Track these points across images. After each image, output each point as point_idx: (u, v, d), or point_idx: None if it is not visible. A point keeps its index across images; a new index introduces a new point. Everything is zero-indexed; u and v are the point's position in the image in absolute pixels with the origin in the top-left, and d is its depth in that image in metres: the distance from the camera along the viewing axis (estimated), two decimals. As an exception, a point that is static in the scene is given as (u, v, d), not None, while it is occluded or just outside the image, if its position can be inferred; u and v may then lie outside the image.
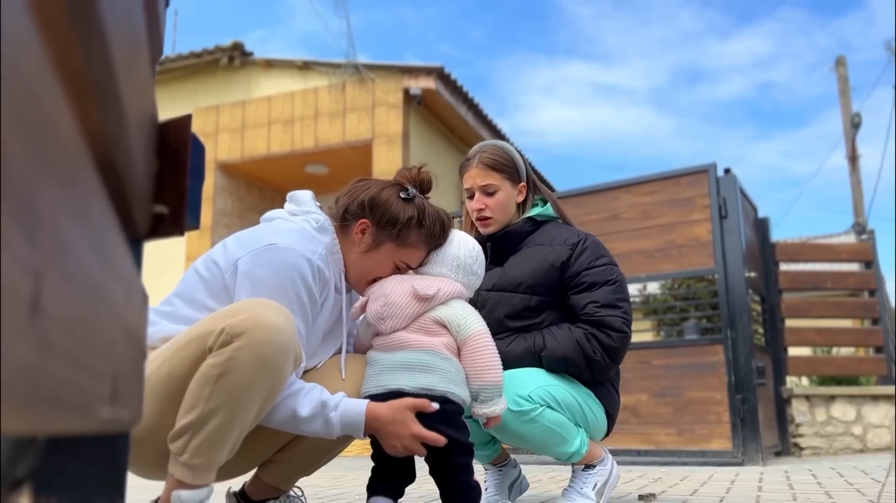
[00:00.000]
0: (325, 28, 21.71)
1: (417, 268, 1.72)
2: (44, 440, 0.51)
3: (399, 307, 1.59)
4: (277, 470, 1.71)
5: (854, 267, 5.75)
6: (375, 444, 1.60)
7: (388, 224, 1.65)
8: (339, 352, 1.69)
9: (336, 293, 1.67)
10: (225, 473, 1.59)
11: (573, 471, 2.04)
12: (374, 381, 1.58)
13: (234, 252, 1.56)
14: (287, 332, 1.35)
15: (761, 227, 5.06)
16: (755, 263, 4.69)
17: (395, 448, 1.51)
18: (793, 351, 5.18)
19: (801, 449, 4.75)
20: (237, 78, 8.21)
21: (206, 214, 7.82)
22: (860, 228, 10.43)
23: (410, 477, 1.65)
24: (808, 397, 4.85)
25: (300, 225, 1.63)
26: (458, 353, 1.61)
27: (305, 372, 1.61)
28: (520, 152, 2.19)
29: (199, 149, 0.69)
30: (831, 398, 4.87)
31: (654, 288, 6.42)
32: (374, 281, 1.69)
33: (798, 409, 4.81)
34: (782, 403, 4.82)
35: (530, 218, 2.12)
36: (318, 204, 1.74)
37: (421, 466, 1.64)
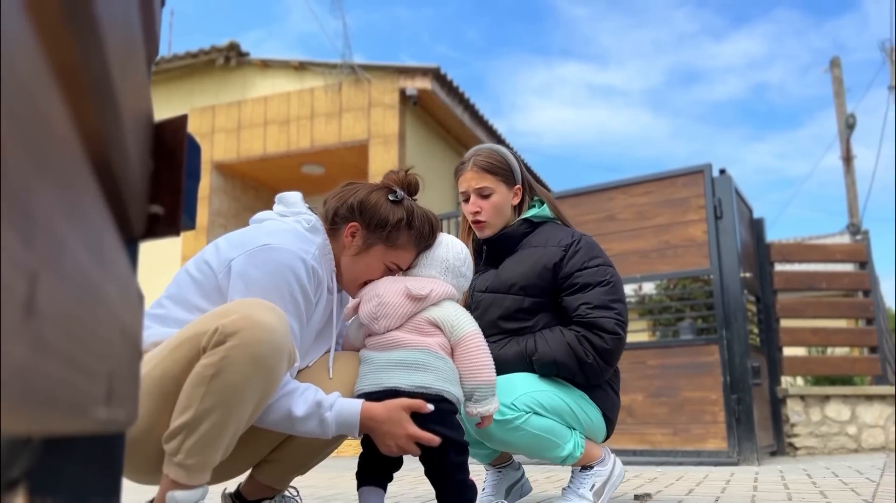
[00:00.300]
0: (321, 28, 21.71)
1: (406, 271, 1.72)
2: (39, 440, 0.50)
3: (392, 307, 1.60)
4: (272, 469, 1.71)
5: (848, 267, 5.76)
6: (367, 437, 1.61)
7: (378, 226, 1.66)
8: (329, 352, 1.70)
9: (328, 293, 1.67)
10: (220, 474, 1.59)
11: (572, 472, 2.05)
12: (369, 379, 1.58)
13: (227, 253, 1.55)
14: (280, 331, 1.35)
15: (756, 227, 5.07)
16: (750, 264, 4.70)
17: (389, 447, 1.52)
18: (788, 351, 5.19)
19: (796, 448, 4.76)
20: (233, 78, 8.19)
21: (202, 214, 7.81)
22: (855, 229, 10.47)
23: (398, 462, 1.66)
24: (802, 397, 4.87)
25: (292, 225, 1.63)
26: (452, 354, 1.62)
27: (297, 371, 1.61)
28: (516, 154, 2.19)
29: (195, 149, 0.69)
30: (826, 398, 4.88)
31: (649, 288, 6.43)
32: (366, 283, 1.69)
33: (793, 409, 4.83)
34: (777, 403, 4.83)
35: (526, 219, 2.12)
36: (308, 205, 1.75)
37: (417, 465, 1.64)
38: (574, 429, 1.97)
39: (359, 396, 1.57)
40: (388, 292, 1.62)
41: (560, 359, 1.92)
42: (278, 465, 1.70)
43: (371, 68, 7.56)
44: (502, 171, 2.10)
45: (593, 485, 1.98)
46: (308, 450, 1.68)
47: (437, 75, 7.35)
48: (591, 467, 2.00)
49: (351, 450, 5.05)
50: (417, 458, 1.58)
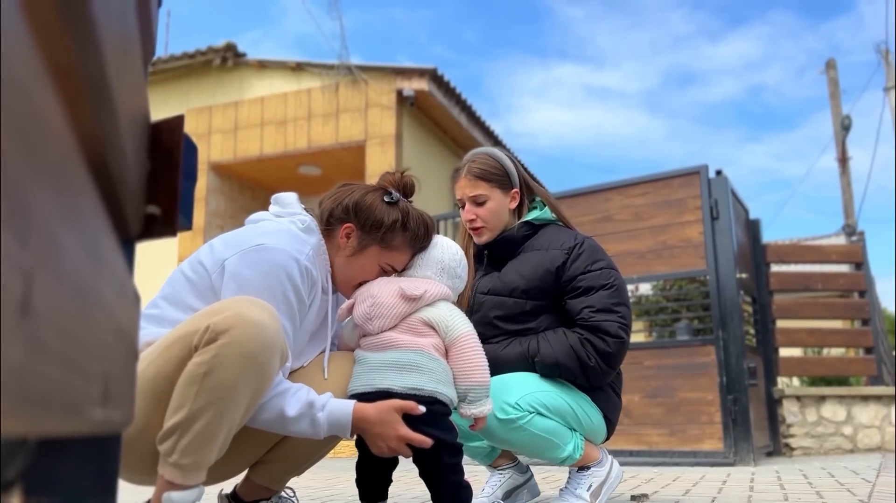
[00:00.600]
0: (318, 29, 21.70)
1: (402, 271, 1.72)
2: (34, 441, 0.50)
3: (387, 307, 1.60)
4: (268, 470, 1.71)
5: (844, 268, 5.78)
6: (361, 439, 1.62)
7: (373, 227, 1.66)
8: (324, 352, 1.70)
9: (322, 294, 1.67)
10: (216, 475, 1.59)
11: (569, 473, 2.05)
12: (361, 380, 1.58)
13: (221, 253, 1.55)
14: (272, 328, 1.35)
15: (752, 228, 5.08)
16: (746, 264, 4.71)
17: (380, 449, 1.52)
18: (784, 351, 5.20)
19: (792, 449, 4.77)
20: (230, 79, 8.19)
21: (199, 215, 7.80)
22: (850, 230, 10.50)
23: (393, 462, 1.68)
24: (798, 398, 4.88)
25: (287, 226, 1.63)
26: (446, 355, 1.62)
27: (291, 372, 1.61)
28: (513, 156, 2.18)
29: (192, 149, 0.68)
30: (822, 398, 4.89)
31: (645, 289, 6.44)
32: (360, 285, 1.69)
33: (789, 410, 4.84)
34: (773, 404, 4.84)
35: (527, 222, 2.12)
36: (303, 206, 1.75)
37: (414, 466, 1.64)
38: (575, 430, 1.97)
39: (351, 397, 1.57)
40: (382, 293, 1.62)
41: (562, 361, 1.92)
42: (274, 466, 1.70)
43: (368, 69, 7.55)
44: (497, 176, 2.09)
45: (590, 486, 1.98)
46: (304, 450, 1.68)
47: (433, 76, 7.36)
48: (588, 468, 2.00)
49: (348, 450, 5.04)
50: (413, 460, 1.58)
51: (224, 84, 8.20)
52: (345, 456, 4.93)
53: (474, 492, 1.68)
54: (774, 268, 5.27)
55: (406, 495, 2.60)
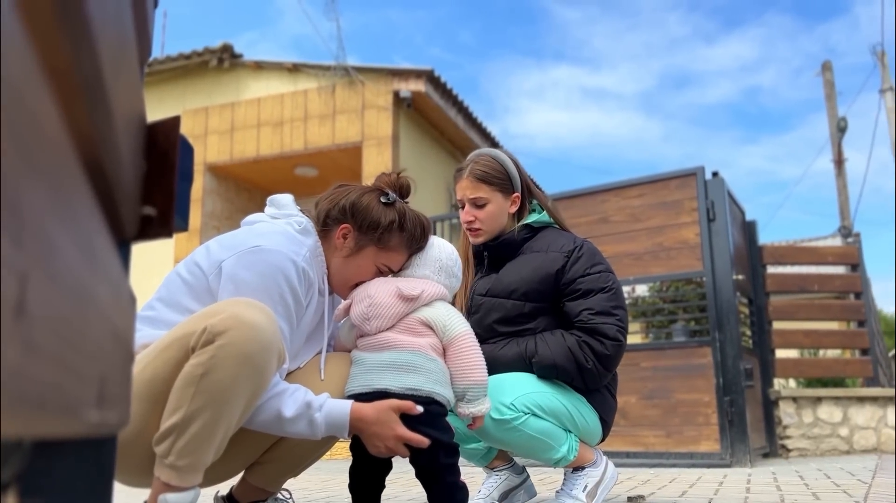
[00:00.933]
0: (314, 30, 21.70)
1: (399, 271, 1.73)
2: (30, 443, 0.50)
3: (384, 307, 1.60)
4: (264, 471, 1.70)
5: (840, 270, 5.80)
6: (355, 443, 1.61)
7: (370, 228, 1.66)
8: (321, 353, 1.70)
9: (319, 295, 1.67)
10: (212, 477, 1.58)
11: (564, 474, 2.05)
12: (359, 380, 1.58)
13: (218, 254, 1.55)
14: (269, 330, 1.35)
15: (749, 229, 5.09)
16: (743, 266, 4.72)
17: (378, 449, 1.52)
18: (780, 353, 5.21)
19: (789, 450, 4.78)
20: (226, 80, 8.18)
21: (195, 216, 7.78)
22: (846, 231, 10.53)
23: (388, 465, 1.67)
24: (795, 399, 4.89)
25: (283, 227, 1.63)
26: (444, 354, 1.62)
27: (288, 373, 1.61)
28: (516, 160, 2.17)
29: (188, 150, 0.68)
30: (818, 400, 4.90)
31: (642, 290, 6.45)
32: (357, 285, 1.69)
33: (785, 411, 4.85)
34: (770, 405, 4.85)
35: (527, 225, 2.12)
36: (299, 207, 1.75)
37: (411, 468, 1.64)
38: (570, 431, 1.97)
39: (348, 397, 1.57)
40: (379, 293, 1.62)
41: (560, 363, 1.93)
42: (270, 467, 1.70)
43: (365, 70, 7.55)
44: (499, 180, 2.09)
45: (585, 487, 1.98)
46: (300, 451, 1.68)
47: (430, 77, 7.36)
48: (583, 468, 2.01)
49: (344, 452, 5.03)
50: (409, 461, 1.58)
51: (220, 85, 8.19)
52: (341, 457, 4.92)
53: (470, 494, 1.68)
54: (771, 269, 5.28)
55: (403, 496, 2.60)
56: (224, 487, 1.81)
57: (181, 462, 1.30)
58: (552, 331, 2.00)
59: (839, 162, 11.40)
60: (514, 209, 2.12)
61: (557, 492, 2.04)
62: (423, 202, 7.11)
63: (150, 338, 1.48)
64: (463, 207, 2.12)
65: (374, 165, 7.18)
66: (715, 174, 4.40)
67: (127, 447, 1.36)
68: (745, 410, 4.03)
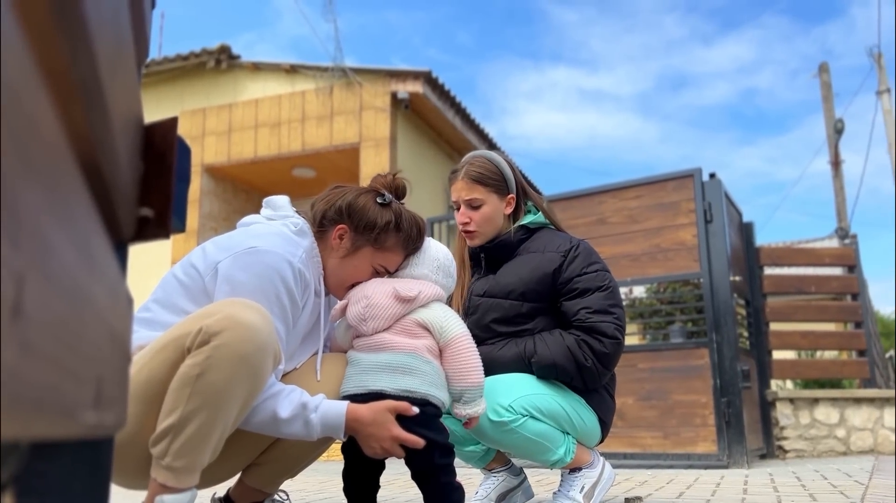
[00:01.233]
0: (312, 31, 21.70)
1: (396, 271, 1.73)
2: (27, 445, 0.50)
3: (381, 308, 1.60)
4: (261, 472, 1.70)
5: (837, 271, 5.81)
6: (347, 446, 1.61)
7: (366, 228, 1.66)
8: (317, 354, 1.70)
9: (315, 296, 1.67)
10: (209, 478, 1.58)
11: (561, 475, 2.05)
12: (354, 381, 1.58)
13: (214, 255, 1.55)
14: (264, 330, 1.35)
15: (746, 231, 5.10)
16: (740, 267, 4.73)
17: (373, 449, 1.52)
18: (777, 354, 5.22)
19: (786, 451, 4.78)
20: (224, 81, 8.17)
21: (192, 217, 7.77)
22: (843, 233, 10.56)
23: (381, 466, 1.68)
24: (792, 400, 4.89)
25: (279, 228, 1.63)
26: (440, 356, 1.62)
27: (284, 374, 1.61)
28: (510, 161, 2.17)
29: (186, 151, 0.68)
30: (815, 401, 4.91)
31: (639, 291, 6.45)
32: (353, 286, 1.69)
33: (782, 412, 4.85)
34: (767, 406, 4.86)
35: (523, 226, 2.13)
36: (295, 209, 1.75)
37: (407, 470, 1.64)
38: (568, 433, 1.97)
39: (344, 398, 1.57)
40: (376, 293, 1.62)
41: (559, 363, 1.93)
42: (267, 468, 1.70)
43: (362, 72, 7.55)
44: (494, 181, 2.09)
45: (583, 488, 1.98)
46: (297, 452, 1.67)
47: (428, 79, 7.36)
48: (580, 469, 2.01)
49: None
50: (404, 462, 1.58)
51: (218, 86, 8.18)
52: (338, 458, 4.92)
53: (468, 496, 1.68)
54: (768, 270, 5.29)
55: (400, 498, 2.60)
56: (221, 489, 1.80)
57: (178, 463, 1.30)
58: (551, 330, 2.00)
59: (836, 163, 11.43)
60: (509, 210, 2.13)
61: (555, 493, 2.04)
62: (421, 203, 7.11)
63: (147, 340, 1.48)
64: (458, 209, 2.13)
65: (372, 166, 7.17)
66: (712, 175, 4.41)
67: (123, 448, 1.36)
68: (742, 411, 4.04)
